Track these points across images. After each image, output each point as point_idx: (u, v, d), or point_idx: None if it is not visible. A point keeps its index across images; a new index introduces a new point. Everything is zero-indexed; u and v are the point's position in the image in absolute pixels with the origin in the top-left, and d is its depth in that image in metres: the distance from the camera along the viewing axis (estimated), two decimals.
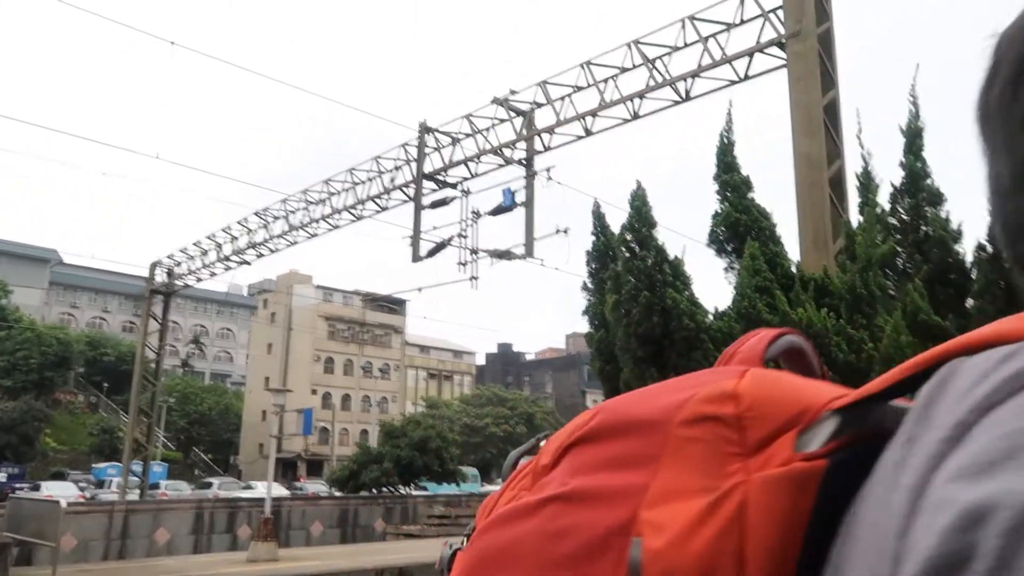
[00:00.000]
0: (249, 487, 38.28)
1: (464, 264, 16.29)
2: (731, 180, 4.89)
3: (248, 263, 24.20)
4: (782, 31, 11.10)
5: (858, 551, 0.44)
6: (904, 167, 4.93)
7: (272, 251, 22.90)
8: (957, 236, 4.65)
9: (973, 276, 4.24)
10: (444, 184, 17.03)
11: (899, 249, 4.88)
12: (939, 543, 0.35)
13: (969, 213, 5.34)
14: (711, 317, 4.08)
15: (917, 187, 4.84)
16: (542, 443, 0.65)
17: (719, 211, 4.94)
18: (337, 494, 33.43)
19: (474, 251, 16.25)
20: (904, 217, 4.88)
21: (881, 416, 0.46)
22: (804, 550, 0.46)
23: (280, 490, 34.10)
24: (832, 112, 10.31)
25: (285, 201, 21.61)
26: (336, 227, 20.54)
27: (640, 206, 4.19)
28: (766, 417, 0.50)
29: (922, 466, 0.38)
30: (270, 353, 61.43)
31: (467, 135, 16.75)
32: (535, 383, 70.73)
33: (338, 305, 63.56)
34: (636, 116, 13.94)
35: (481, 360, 77.39)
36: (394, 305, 63.80)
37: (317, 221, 20.62)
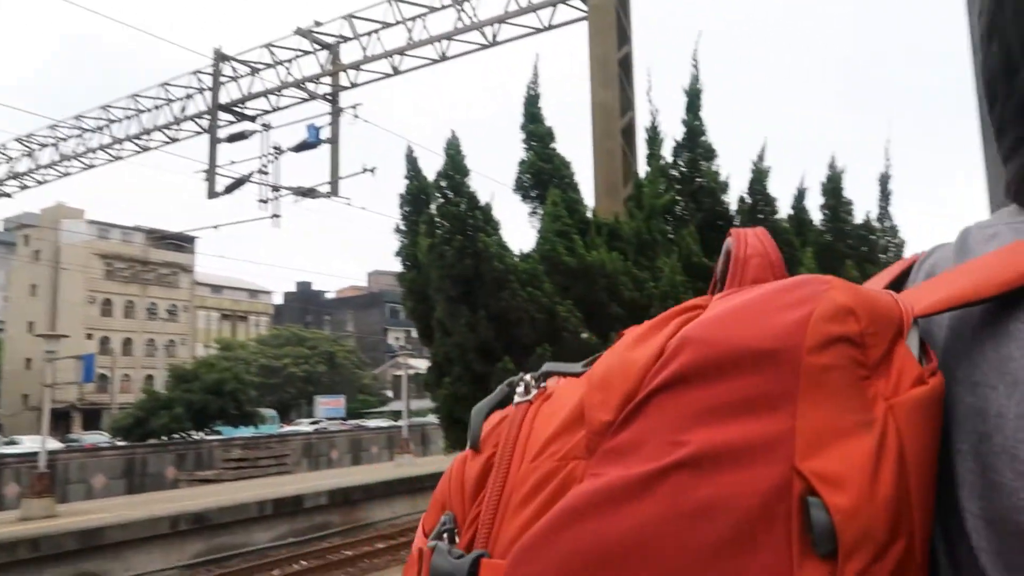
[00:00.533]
0: (13, 442, 34.80)
1: (265, 201, 15.68)
2: (536, 131, 5.23)
3: (8, 195, 21.56)
4: None
5: (996, 448, 0.42)
6: (685, 124, 5.50)
7: (39, 182, 20.56)
8: (725, 188, 5.30)
9: (736, 223, 4.92)
10: (242, 117, 16.14)
11: (678, 198, 5.50)
12: None
13: (735, 168, 6.09)
14: (518, 259, 4.44)
15: (695, 143, 5.45)
16: (532, 391, 0.54)
17: (525, 159, 5.28)
18: (121, 444, 31.39)
19: (276, 188, 15.67)
20: (683, 169, 5.48)
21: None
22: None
23: (52, 443, 31.36)
24: (626, 66, 11.04)
25: (55, 127, 19.38)
26: (118, 158, 18.82)
27: (454, 155, 4.40)
28: (881, 331, 0.44)
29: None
30: (34, 295, 55.24)
31: (267, 66, 15.93)
32: (336, 322, 69.59)
33: (117, 242, 58.21)
34: (444, 57, 14.00)
35: (279, 300, 74.74)
36: (182, 242, 59.53)
37: (94, 151, 18.74)
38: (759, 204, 4.44)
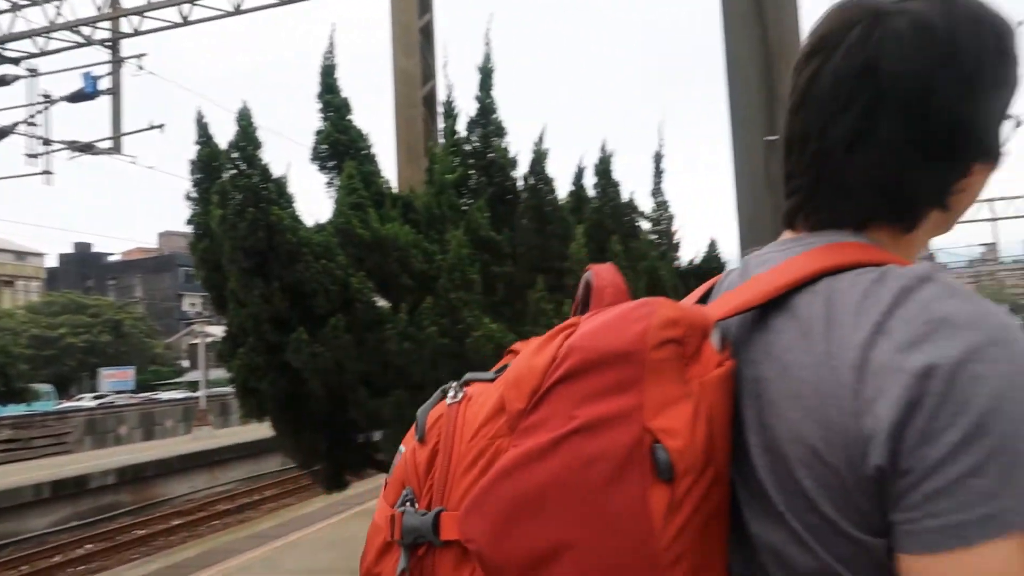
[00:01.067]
0: None
1: (35, 156, 14.16)
2: (332, 101, 5.27)
3: None
4: None
5: (789, 409, 0.67)
6: (478, 101, 5.77)
7: None
8: (514, 164, 5.63)
9: (523, 199, 5.29)
10: (2, 59, 14.37)
11: (471, 172, 5.79)
12: (904, 391, 0.59)
13: (522, 146, 6.41)
14: (313, 231, 4.51)
15: (488, 120, 5.74)
16: (459, 394, 0.79)
17: (321, 130, 5.31)
18: None
19: (47, 142, 14.19)
20: (476, 145, 5.77)
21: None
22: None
23: None
24: (428, 34, 11.14)
25: None
26: None
27: (246, 126, 4.34)
28: (694, 334, 0.68)
29: (862, 345, 0.63)
30: None
31: (32, 2, 14.26)
32: (123, 287, 64.00)
33: None
34: (239, 10, 13.29)
35: (53, 262, 67.45)
36: None
37: None
38: (539, 184, 4.82)
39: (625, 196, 5.63)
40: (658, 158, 8.84)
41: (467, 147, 5.89)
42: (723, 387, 0.69)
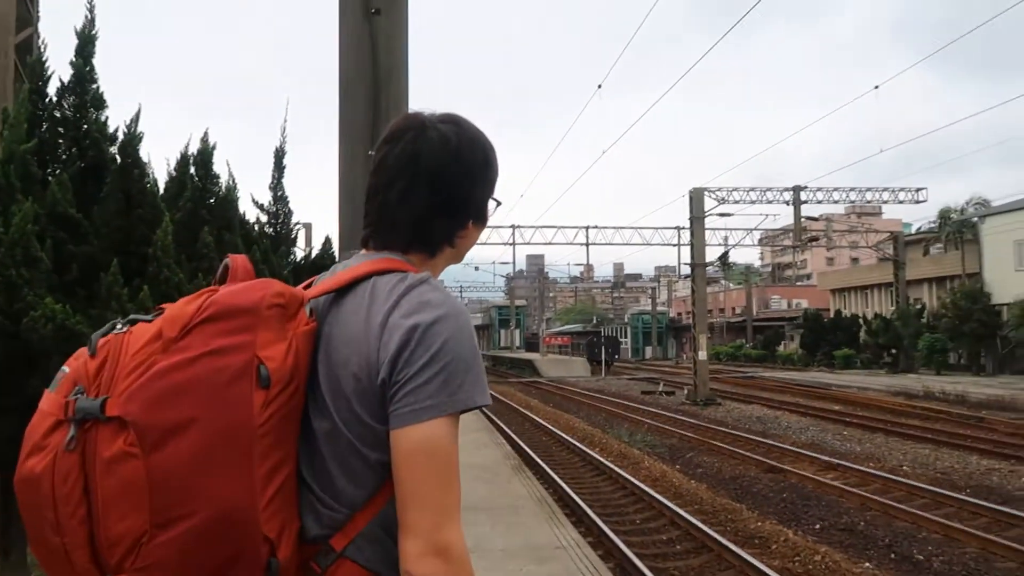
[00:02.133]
0: None
1: None
2: None
3: None
4: None
5: (343, 350, 1.18)
6: (74, 67, 5.38)
7: None
8: (113, 139, 5.35)
9: (112, 175, 5.05)
10: None
11: (61, 142, 5.38)
12: (401, 337, 1.14)
13: (121, 119, 6.03)
14: None
15: (84, 89, 5.38)
16: (125, 327, 1.17)
17: None
18: None
19: None
20: (68, 113, 5.38)
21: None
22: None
23: None
24: None
25: None
26: None
27: None
28: (294, 303, 1.18)
29: (385, 314, 1.16)
30: None
31: None
32: None
33: None
34: None
35: None
36: None
37: None
38: (130, 166, 4.69)
39: (248, 189, 5.65)
40: (278, 154, 8.98)
41: (57, 114, 5.46)
42: (308, 337, 1.18)
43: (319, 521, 1.18)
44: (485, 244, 38.93)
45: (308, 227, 26.40)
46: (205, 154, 5.30)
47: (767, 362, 47.41)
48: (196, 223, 4.87)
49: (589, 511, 9.05)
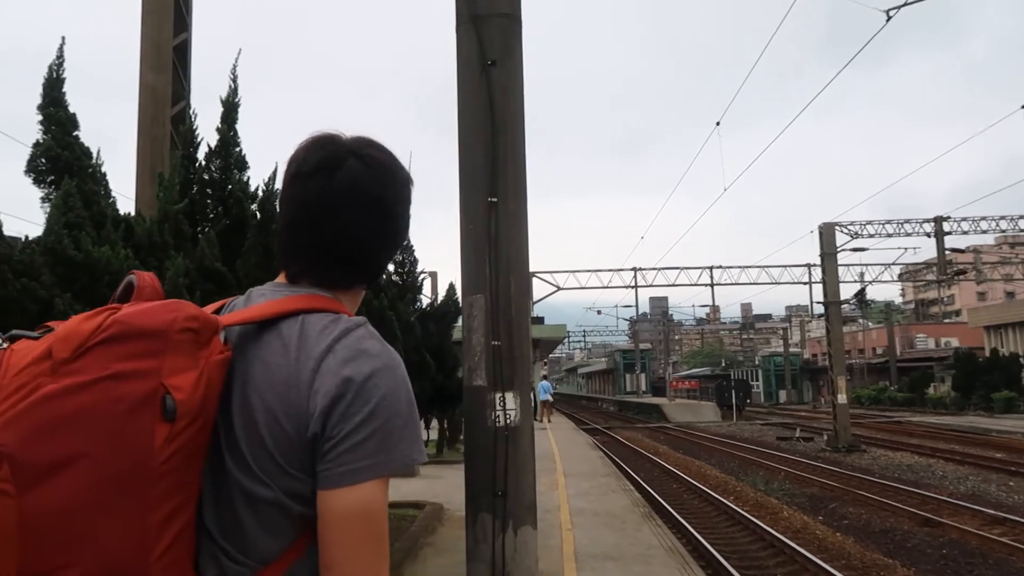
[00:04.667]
0: None
1: None
2: (56, 115, 5.05)
3: None
4: None
5: (267, 393, 1.04)
6: (220, 133, 5.82)
7: None
8: (254, 196, 5.73)
9: (254, 229, 5.40)
10: None
11: (209, 202, 5.80)
12: (334, 388, 1.03)
13: (260, 177, 6.44)
14: (16, 248, 4.28)
15: (228, 152, 5.80)
16: (4, 344, 1.00)
17: (39, 142, 5.07)
18: None
19: None
20: (215, 175, 5.80)
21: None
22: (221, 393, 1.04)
23: None
24: (182, 53, 10.82)
25: None
26: None
27: None
28: (207, 328, 1.03)
29: (317, 359, 1.05)
30: None
31: None
32: None
33: None
34: None
35: None
36: None
37: None
38: (268, 221, 4.99)
39: None
40: None
41: (206, 176, 5.90)
42: (220, 368, 1.04)
43: (221, 575, 1.06)
44: (607, 287, 38.68)
45: (434, 275, 27.22)
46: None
47: (914, 406, 44.04)
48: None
49: (726, 563, 8.59)
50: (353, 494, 1.01)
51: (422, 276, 9.05)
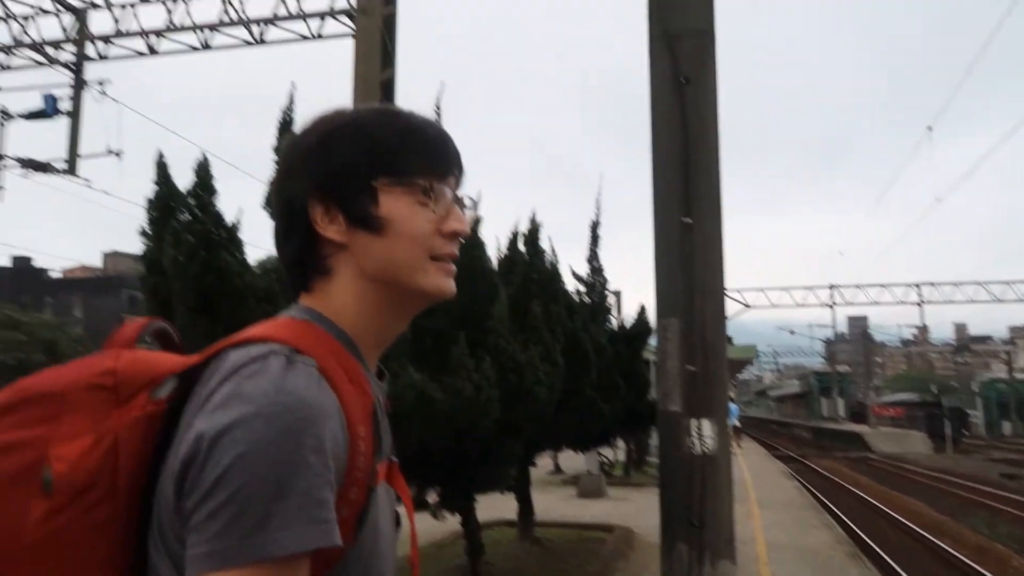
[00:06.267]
0: None
1: None
2: None
3: None
4: (353, 2, 12.09)
5: (172, 455, 0.80)
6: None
7: None
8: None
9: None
10: None
11: None
12: (186, 449, 0.76)
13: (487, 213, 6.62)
14: (258, 275, 4.80)
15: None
16: None
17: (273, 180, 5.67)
18: None
19: (0, 157, 14.20)
20: None
21: (196, 377, 0.84)
22: (157, 458, 0.82)
23: None
24: (388, 89, 11.67)
25: None
26: None
27: (204, 175, 4.67)
28: (132, 382, 0.84)
29: (195, 412, 0.80)
30: None
31: None
32: (61, 305, 62.00)
33: None
34: (207, 46, 13.66)
35: None
36: None
37: None
38: (472, 247, 5.24)
39: (565, 259, 6.10)
40: (594, 227, 9.44)
41: None
42: (142, 426, 0.83)
43: None
44: (801, 306, 36.65)
45: (618, 295, 27.17)
46: (533, 232, 5.77)
47: None
48: (525, 297, 5.29)
49: None
50: None
51: (611, 297, 9.11)
